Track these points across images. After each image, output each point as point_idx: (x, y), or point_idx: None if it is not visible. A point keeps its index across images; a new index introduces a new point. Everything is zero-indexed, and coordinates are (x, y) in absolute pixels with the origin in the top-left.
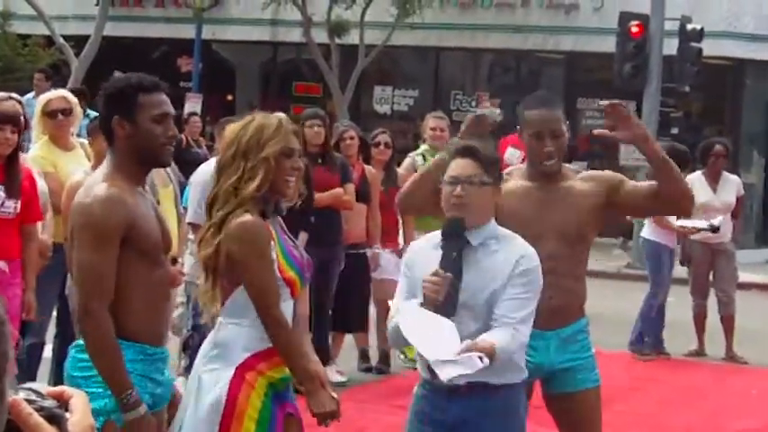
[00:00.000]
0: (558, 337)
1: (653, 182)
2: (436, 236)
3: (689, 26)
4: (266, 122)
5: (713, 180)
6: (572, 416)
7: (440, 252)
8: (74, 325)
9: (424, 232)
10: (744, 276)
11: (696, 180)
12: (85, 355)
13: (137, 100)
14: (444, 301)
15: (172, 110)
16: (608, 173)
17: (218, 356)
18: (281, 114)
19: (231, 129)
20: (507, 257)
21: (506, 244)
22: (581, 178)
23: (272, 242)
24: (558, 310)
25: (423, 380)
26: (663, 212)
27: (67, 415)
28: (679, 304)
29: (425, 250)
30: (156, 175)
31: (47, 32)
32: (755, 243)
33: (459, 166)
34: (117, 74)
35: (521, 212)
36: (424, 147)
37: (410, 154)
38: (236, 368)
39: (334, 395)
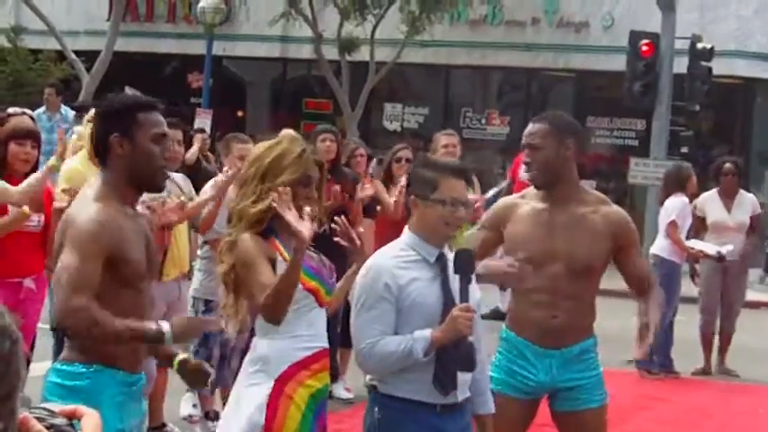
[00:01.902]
0: (561, 356)
1: (643, 268)
2: (400, 252)
3: (699, 45)
4: (290, 149)
5: (728, 198)
6: None
7: (427, 273)
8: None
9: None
10: (753, 295)
11: (710, 199)
12: (63, 381)
13: (136, 118)
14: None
15: (168, 131)
16: (628, 227)
17: (258, 371)
18: (305, 144)
19: (259, 146)
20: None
21: None
22: (601, 214)
23: (280, 257)
24: (561, 329)
25: (402, 402)
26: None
27: None
28: (687, 322)
29: (410, 272)
30: (172, 188)
31: (58, 47)
32: (765, 262)
33: (458, 188)
34: (127, 89)
35: (528, 233)
36: None
37: None
38: (275, 381)
39: None
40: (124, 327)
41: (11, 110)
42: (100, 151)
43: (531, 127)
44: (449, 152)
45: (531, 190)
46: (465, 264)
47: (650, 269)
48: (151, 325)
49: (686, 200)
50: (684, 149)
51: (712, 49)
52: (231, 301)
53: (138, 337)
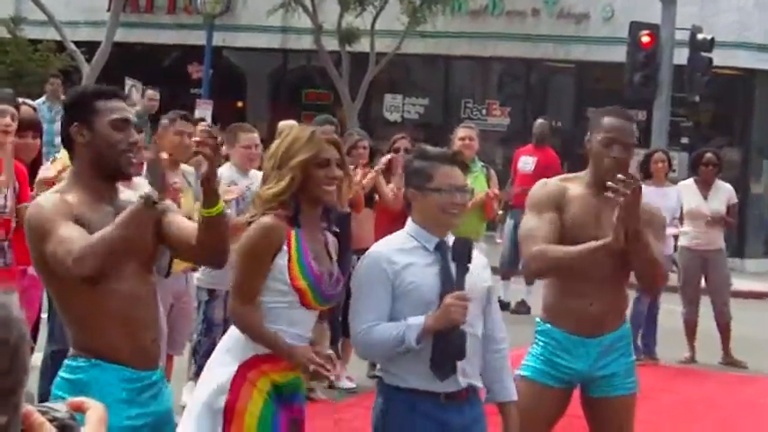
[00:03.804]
0: (599, 345)
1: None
2: (400, 240)
3: (699, 36)
4: (299, 134)
5: (705, 188)
6: (606, 421)
7: (425, 259)
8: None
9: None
10: (754, 285)
11: (687, 187)
12: (67, 375)
13: (94, 106)
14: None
15: (132, 117)
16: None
17: (229, 351)
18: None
19: (274, 144)
20: (480, 261)
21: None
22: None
23: (286, 248)
24: (599, 316)
25: (406, 393)
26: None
27: (82, 428)
28: (675, 312)
29: (407, 257)
30: (180, 182)
31: (58, 38)
32: (764, 253)
33: (452, 174)
34: (127, 79)
35: (580, 217)
36: None
37: None
38: (239, 366)
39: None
40: (114, 223)
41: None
42: (65, 143)
43: (626, 125)
44: (465, 145)
45: (575, 176)
46: (461, 252)
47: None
48: (131, 206)
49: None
50: (684, 140)
51: (713, 40)
52: None
53: (132, 213)
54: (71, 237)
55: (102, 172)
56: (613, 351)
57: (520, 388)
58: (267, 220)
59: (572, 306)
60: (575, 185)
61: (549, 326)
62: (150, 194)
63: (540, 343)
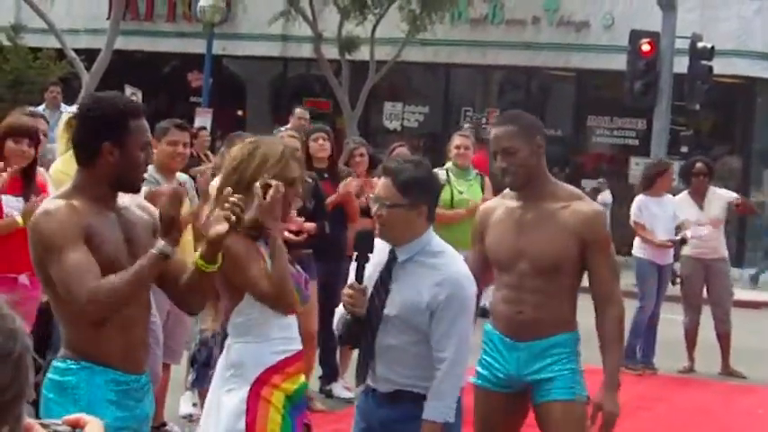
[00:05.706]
0: (529, 349)
1: (602, 276)
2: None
3: (699, 44)
4: (270, 152)
5: (699, 197)
6: (546, 427)
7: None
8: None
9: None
10: (753, 295)
11: (683, 200)
12: (60, 377)
13: (128, 126)
14: (368, 313)
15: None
16: (595, 226)
17: (234, 376)
18: (284, 140)
19: (234, 154)
20: (429, 278)
21: (436, 262)
22: (572, 210)
23: (262, 261)
24: (528, 324)
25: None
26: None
27: None
28: (675, 321)
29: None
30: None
31: (58, 45)
32: (766, 261)
33: (379, 186)
34: (127, 87)
35: (499, 234)
36: (448, 164)
37: (435, 169)
38: (251, 386)
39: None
40: (129, 275)
41: (29, 110)
42: (86, 154)
43: (498, 131)
44: (460, 154)
45: (508, 190)
46: (359, 245)
47: (614, 281)
48: (146, 256)
49: (641, 197)
50: (684, 149)
51: (713, 48)
52: (209, 303)
53: (149, 268)
54: (81, 265)
55: (117, 186)
56: (547, 357)
57: (474, 395)
58: (228, 242)
59: (503, 311)
60: (506, 200)
61: (489, 327)
62: (166, 249)
63: (484, 344)
